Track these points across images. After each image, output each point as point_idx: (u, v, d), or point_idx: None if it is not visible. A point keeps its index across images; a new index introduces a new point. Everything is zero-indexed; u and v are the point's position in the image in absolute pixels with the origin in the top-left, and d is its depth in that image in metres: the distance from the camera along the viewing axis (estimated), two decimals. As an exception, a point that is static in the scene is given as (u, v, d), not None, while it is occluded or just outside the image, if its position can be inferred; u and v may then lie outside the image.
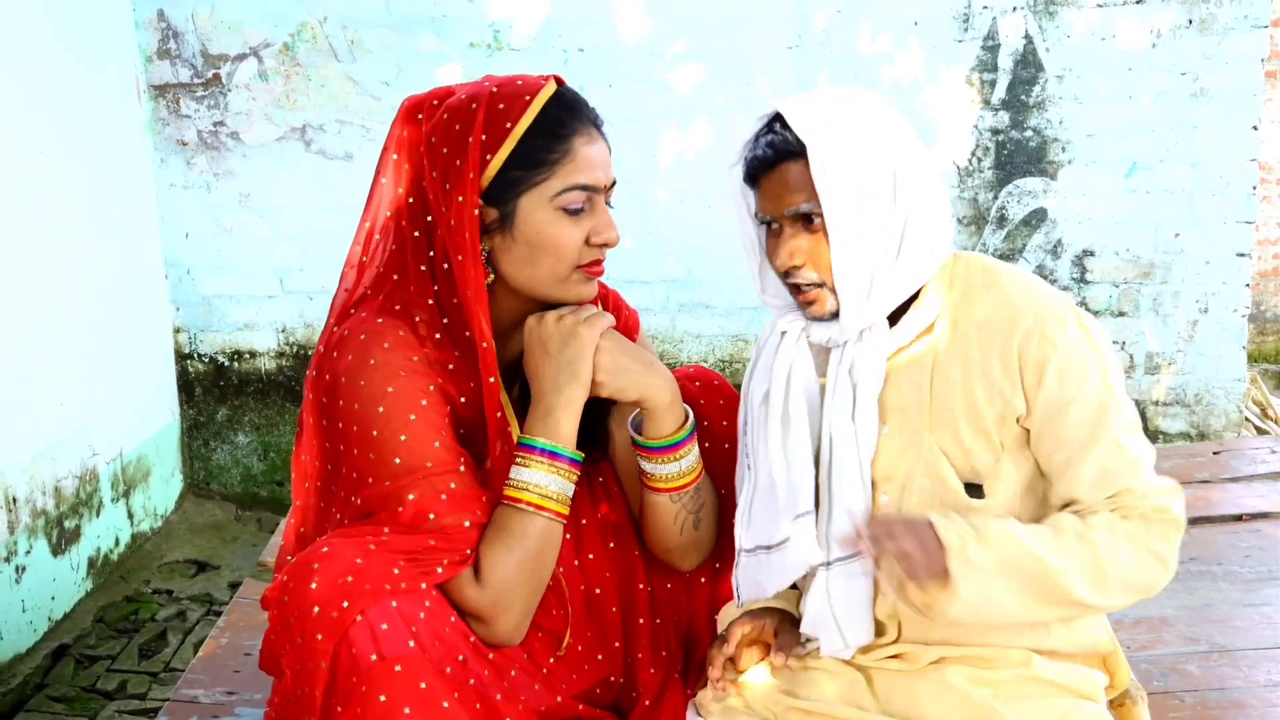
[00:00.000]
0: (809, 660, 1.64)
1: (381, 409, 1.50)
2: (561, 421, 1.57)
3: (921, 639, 1.58)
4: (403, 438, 1.50)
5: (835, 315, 1.55)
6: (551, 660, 1.66)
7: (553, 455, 1.56)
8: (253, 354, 4.30)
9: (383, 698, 1.36)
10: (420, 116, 1.61)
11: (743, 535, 1.65)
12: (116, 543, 3.77)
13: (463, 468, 1.53)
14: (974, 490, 1.53)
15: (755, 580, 1.63)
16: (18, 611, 3.18)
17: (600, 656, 1.73)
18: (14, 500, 3.18)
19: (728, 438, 1.84)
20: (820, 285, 1.53)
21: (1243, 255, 4.03)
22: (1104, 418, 1.49)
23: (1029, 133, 3.95)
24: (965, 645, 1.57)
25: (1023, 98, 3.97)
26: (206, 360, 4.31)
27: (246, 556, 3.99)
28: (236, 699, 1.92)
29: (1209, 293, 4.08)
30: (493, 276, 1.59)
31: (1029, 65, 3.97)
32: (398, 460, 1.49)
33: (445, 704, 1.40)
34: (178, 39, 4.07)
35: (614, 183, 1.62)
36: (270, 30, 4.06)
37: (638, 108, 4.08)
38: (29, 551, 3.25)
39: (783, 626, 1.68)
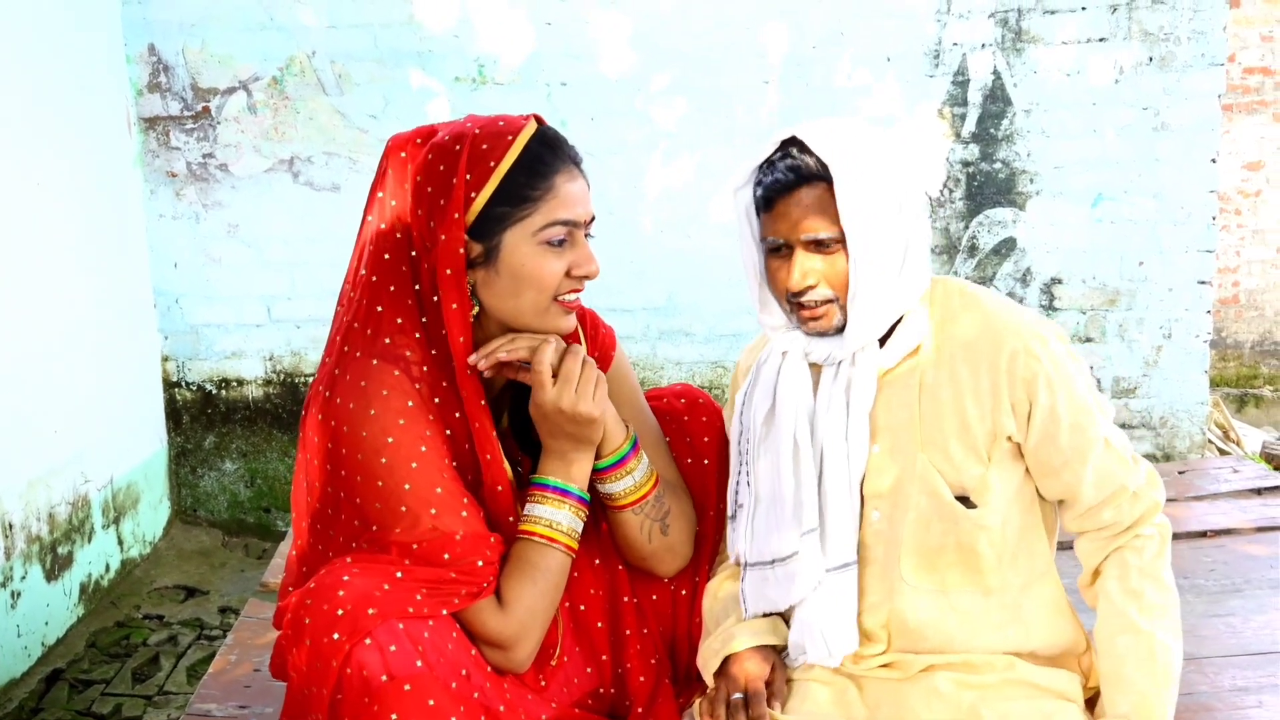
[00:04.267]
0: (798, 671, 1.71)
1: (384, 459, 1.56)
2: (573, 465, 1.69)
3: (912, 648, 1.67)
4: (407, 486, 1.56)
5: (839, 330, 1.63)
6: (542, 682, 1.73)
7: (563, 493, 1.68)
8: (240, 382, 4.36)
9: (394, 716, 1.43)
10: (404, 155, 1.66)
11: (746, 550, 1.72)
12: (107, 569, 3.81)
13: (465, 512, 1.59)
14: (964, 502, 1.63)
15: (763, 594, 1.71)
16: (13, 637, 3.22)
17: (589, 670, 1.80)
18: (10, 526, 3.22)
19: (708, 453, 1.92)
20: (830, 302, 1.60)
21: (1204, 283, 4.17)
22: (1092, 421, 1.61)
23: (998, 165, 4.09)
24: (953, 653, 1.66)
25: (992, 131, 4.11)
26: (194, 388, 4.36)
27: (234, 582, 4.04)
28: (249, 712, 1.99)
29: (1172, 319, 4.22)
30: (477, 309, 1.65)
31: (998, 100, 4.12)
32: (403, 509, 1.56)
33: (453, 719, 1.47)
34: (168, 73, 4.15)
35: (593, 218, 1.68)
36: (259, 64, 4.15)
37: (620, 140, 4.18)
38: (24, 577, 3.29)
39: (775, 669, 1.70)
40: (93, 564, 3.71)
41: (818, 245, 1.58)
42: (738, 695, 1.65)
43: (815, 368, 1.69)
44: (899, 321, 1.66)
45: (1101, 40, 4.06)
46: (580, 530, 1.70)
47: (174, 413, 4.38)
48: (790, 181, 1.57)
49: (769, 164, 1.60)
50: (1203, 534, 2.83)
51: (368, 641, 1.44)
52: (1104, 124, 4.10)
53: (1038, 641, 1.68)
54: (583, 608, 1.81)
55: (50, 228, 3.51)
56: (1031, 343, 1.60)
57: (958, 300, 1.66)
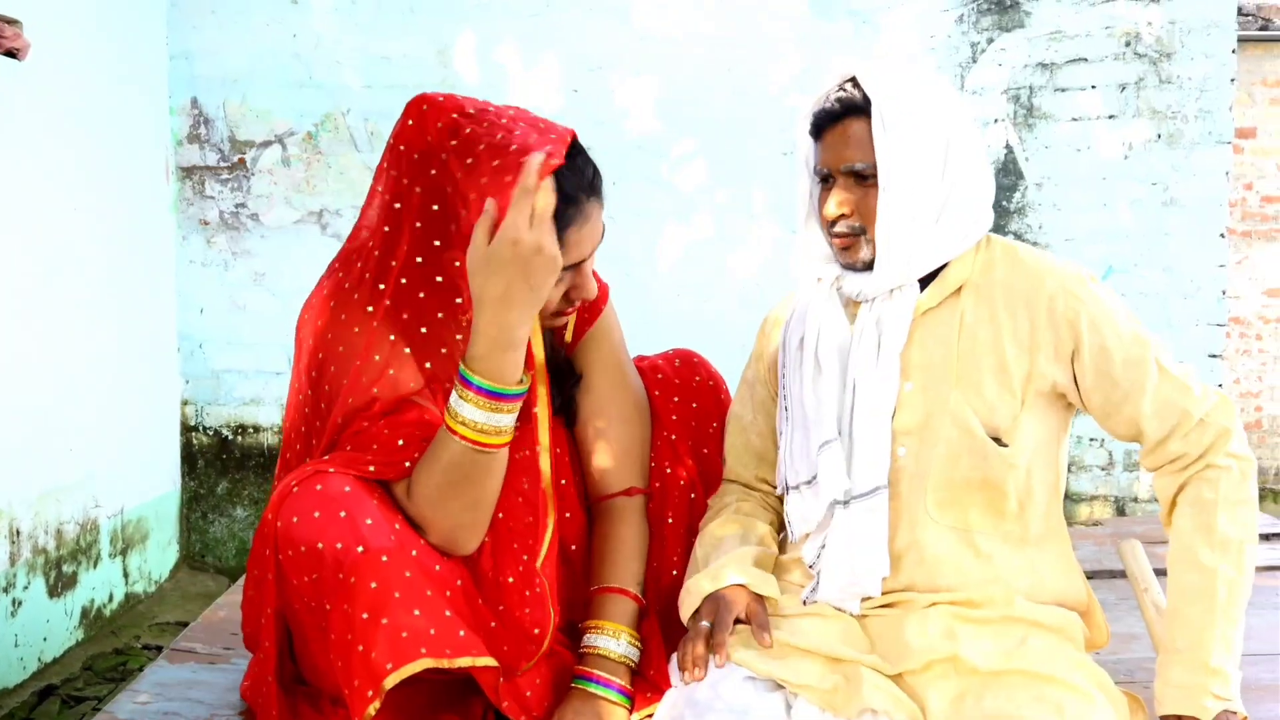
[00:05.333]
0: (803, 609, 1.69)
1: (342, 348, 1.62)
2: (509, 360, 1.52)
3: (927, 582, 1.65)
4: (375, 391, 1.60)
5: (869, 266, 1.67)
6: (525, 667, 1.70)
7: (491, 395, 1.52)
8: (256, 428, 4.41)
9: (373, 584, 1.45)
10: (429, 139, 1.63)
11: (785, 473, 1.75)
12: (110, 598, 3.81)
13: (412, 382, 1.61)
14: (995, 441, 1.64)
15: (800, 514, 1.73)
16: (10, 645, 3.21)
17: (571, 605, 1.82)
18: (17, 533, 3.25)
19: (696, 416, 1.97)
20: (860, 234, 1.65)
21: (1215, 356, 4.19)
22: (1145, 352, 1.63)
23: (1010, 237, 4.15)
24: (955, 590, 1.64)
25: (1004, 203, 4.20)
26: (211, 433, 4.41)
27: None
28: (233, 653, 1.99)
29: (1184, 393, 4.21)
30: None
31: (1010, 173, 4.22)
32: (351, 401, 1.60)
33: (428, 592, 1.49)
34: (208, 125, 4.31)
35: (599, 243, 1.66)
36: (296, 119, 4.31)
37: (641, 204, 4.30)
38: (27, 587, 3.30)
39: (752, 602, 1.69)
40: (96, 590, 3.71)
41: (857, 177, 1.64)
42: (706, 624, 1.64)
43: (860, 305, 1.73)
44: (942, 267, 1.69)
45: (1111, 117, 4.17)
46: (513, 424, 1.56)
47: (189, 456, 4.42)
48: (836, 112, 1.65)
49: (826, 96, 1.68)
50: (1210, 570, 2.78)
51: (343, 514, 1.48)
52: (1114, 198, 4.19)
53: (1048, 596, 1.67)
54: (573, 547, 1.83)
55: (84, 262, 3.63)
56: (1070, 283, 1.64)
57: (999, 251, 1.71)
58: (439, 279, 1.64)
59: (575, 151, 1.62)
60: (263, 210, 4.35)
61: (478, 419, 1.52)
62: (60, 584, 3.48)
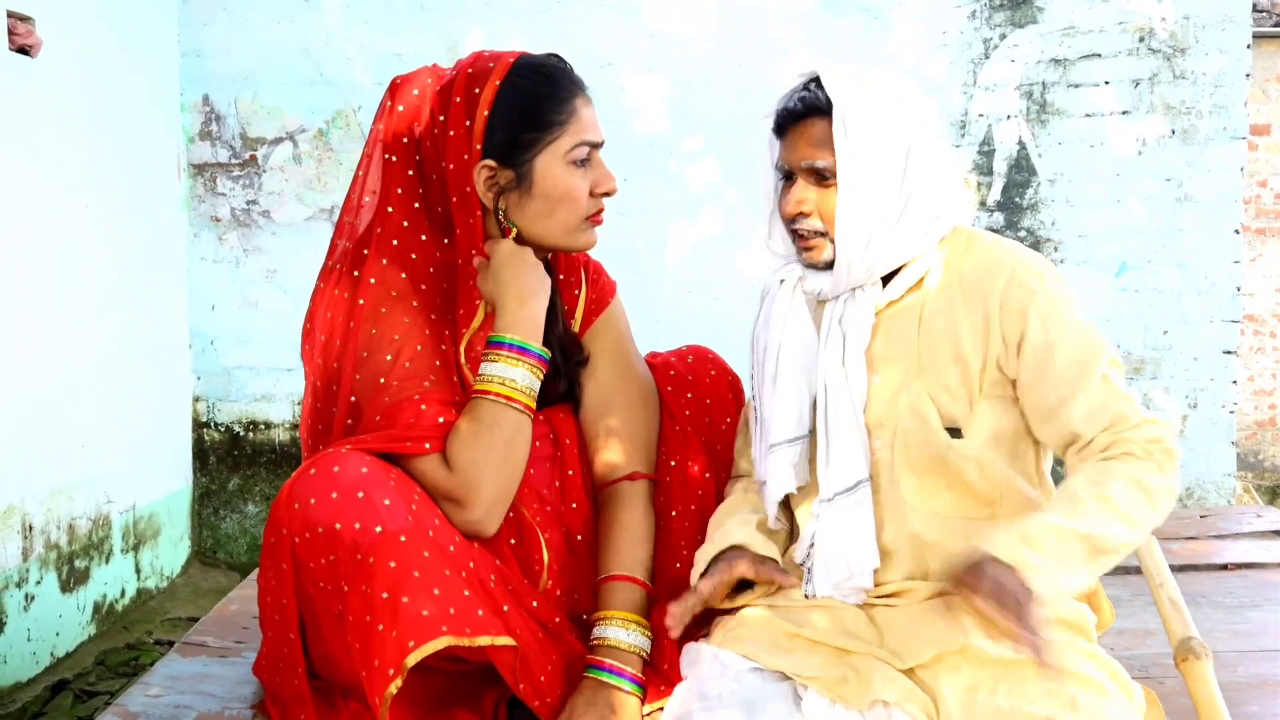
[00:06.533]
0: (812, 602, 1.70)
1: (374, 331, 1.67)
2: (530, 321, 1.69)
3: (923, 567, 1.66)
4: (388, 357, 1.65)
5: (830, 265, 1.66)
6: (534, 602, 1.73)
7: (521, 350, 1.68)
8: (268, 425, 4.42)
9: (392, 564, 1.46)
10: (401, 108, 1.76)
11: (759, 470, 1.76)
12: (122, 594, 3.82)
13: (430, 380, 1.67)
14: (953, 433, 1.64)
15: (770, 516, 1.75)
16: (23, 639, 3.22)
17: (578, 595, 1.83)
18: (30, 528, 3.26)
19: (709, 412, 1.96)
20: (821, 235, 1.65)
21: (1229, 353, 4.17)
22: (1090, 357, 1.59)
23: (1023, 233, 4.15)
24: None
25: (1017, 200, 4.19)
26: (222, 429, 4.42)
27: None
28: (244, 646, 1.99)
29: (1198, 389, 4.20)
30: (515, 232, 1.72)
31: (1023, 169, 4.20)
32: (382, 380, 1.65)
33: (446, 572, 1.49)
34: (219, 122, 4.32)
35: (603, 141, 1.77)
36: (307, 116, 4.31)
37: (650, 201, 4.29)
38: (39, 582, 3.31)
39: (756, 561, 1.72)
40: (109, 585, 3.72)
41: (817, 176, 1.63)
42: (704, 586, 1.68)
43: (824, 304, 1.73)
44: (906, 264, 1.69)
45: (1124, 113, 4.15)
46: (538, 387, 1.71)
47: (201, 453, 4.43)
48: (799, 112, 1.63)
49: (790, 94, 1.67)
50: (1223, 567, 2.78)
51: (360, 495, 1.49)
52: (1128, 194, 4.17)
53: None
54: (579, 538, 1.83)
55: (96, 259, 3.64)
56: (1023, 274, 1.62)
57: (964, 242, 1.70)
58: (423, 237, 1.74)
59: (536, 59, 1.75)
60: (274, 207, 4.36)
61: (506, 374, 1.66)
62: (73, 579, 3.49)
